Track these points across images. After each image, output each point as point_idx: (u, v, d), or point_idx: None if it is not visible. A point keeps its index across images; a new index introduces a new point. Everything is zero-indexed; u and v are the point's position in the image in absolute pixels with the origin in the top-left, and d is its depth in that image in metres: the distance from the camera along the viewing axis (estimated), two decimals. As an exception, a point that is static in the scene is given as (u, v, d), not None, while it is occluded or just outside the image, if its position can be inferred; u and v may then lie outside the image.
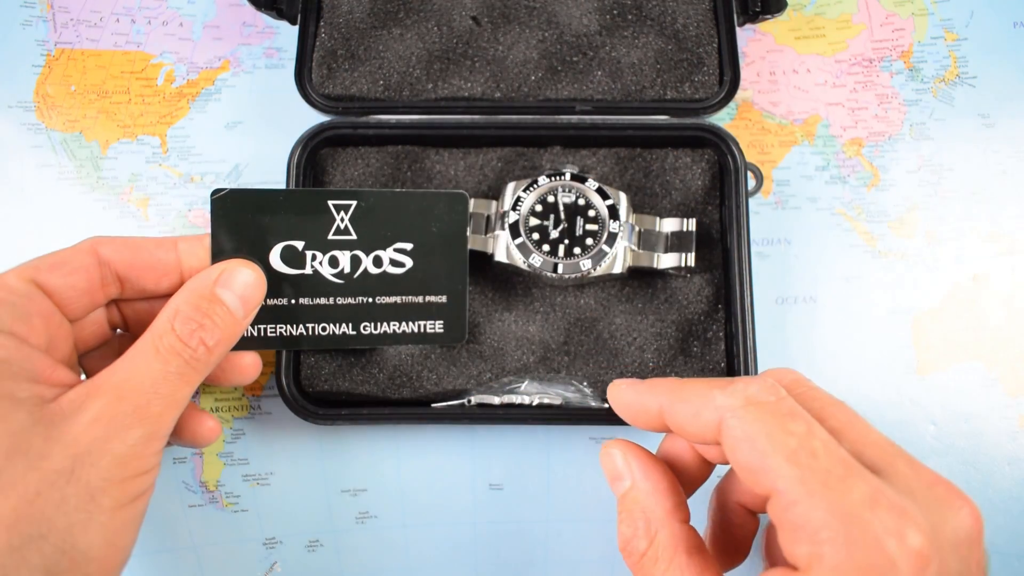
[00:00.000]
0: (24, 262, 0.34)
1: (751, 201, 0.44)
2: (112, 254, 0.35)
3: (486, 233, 0.42)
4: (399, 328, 0.40)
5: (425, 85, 0.44)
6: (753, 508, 0.32)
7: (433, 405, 0.41)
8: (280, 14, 0.44)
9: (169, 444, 0.37)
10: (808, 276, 0.45)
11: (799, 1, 0.48)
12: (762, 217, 0.46)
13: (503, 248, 0.41)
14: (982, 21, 0.48)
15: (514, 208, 0.41)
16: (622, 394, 0.33)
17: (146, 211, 0.45)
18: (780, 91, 0.47)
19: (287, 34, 0.48)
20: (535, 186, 0.42)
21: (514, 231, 0.41)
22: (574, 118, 0.43)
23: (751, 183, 0.45)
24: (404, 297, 0.40)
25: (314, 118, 0.43)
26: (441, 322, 0.40)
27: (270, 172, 0.46)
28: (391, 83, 0.44)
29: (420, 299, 0.40)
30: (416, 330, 0.40)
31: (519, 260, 0.41)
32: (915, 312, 0.44)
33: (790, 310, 0.45)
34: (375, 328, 0.40)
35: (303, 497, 0.43)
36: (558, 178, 0.42)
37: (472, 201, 0.42)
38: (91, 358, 0.37)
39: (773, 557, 0.32)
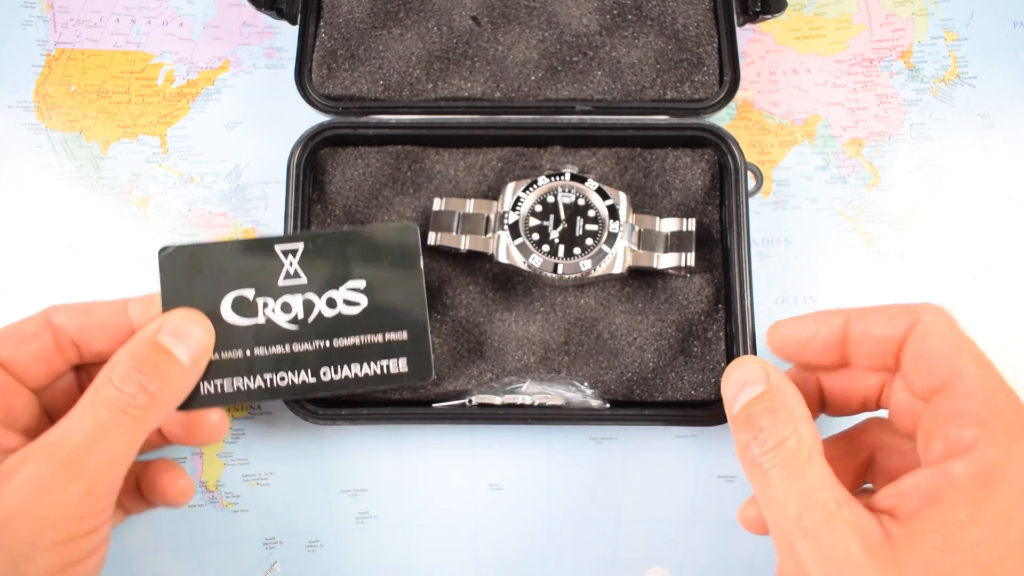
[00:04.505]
0: None
1: (751, 201, 0.44)
2: (65, 320, 0.34)
3: (486, 234, 0.42)
4: (361, 371, 0.38)
5: (425, 85, 0.44)
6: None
7: (434, 405, 0.41)
8: (280, 14, 0.44)
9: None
10: (808, 276, 0.45)
11: (799, 1, 0.48)
12: (762, 217, 0.46)
13: (503, 248, 0.41)
14: (982, 21, 0.48)
15: (514, 208, 0.41)
16: (793, 323, 0.34)
17: (146, 211, 0.45)
18: (780, 91, 0.47)
19: (287, 34, 0.48)
20: (535, 186, 0.42)
21: (514, 231, 0.41)
22: (574, 118, 0.43)
23: (751, 183, 0.45)
24: (363, 337, 0.38)
25: (314, 118, 0.43)
26: (404, 359, 0.38)
27: (270, 172, 0.46)
28: (391, 83, 0.44)
29: (379, 337, 0.38)
30: (379, 371, 0.38)
31: (519, 260, 0.41)
32: (915, 312, 0.44)
33: (790, 310, 0.45)
34: (335, 373, 0.38)
35: (303, 497, 0.43)
36: (558, 178, 0.42)
37: (472, 202, 0.42)
38: None
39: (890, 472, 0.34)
